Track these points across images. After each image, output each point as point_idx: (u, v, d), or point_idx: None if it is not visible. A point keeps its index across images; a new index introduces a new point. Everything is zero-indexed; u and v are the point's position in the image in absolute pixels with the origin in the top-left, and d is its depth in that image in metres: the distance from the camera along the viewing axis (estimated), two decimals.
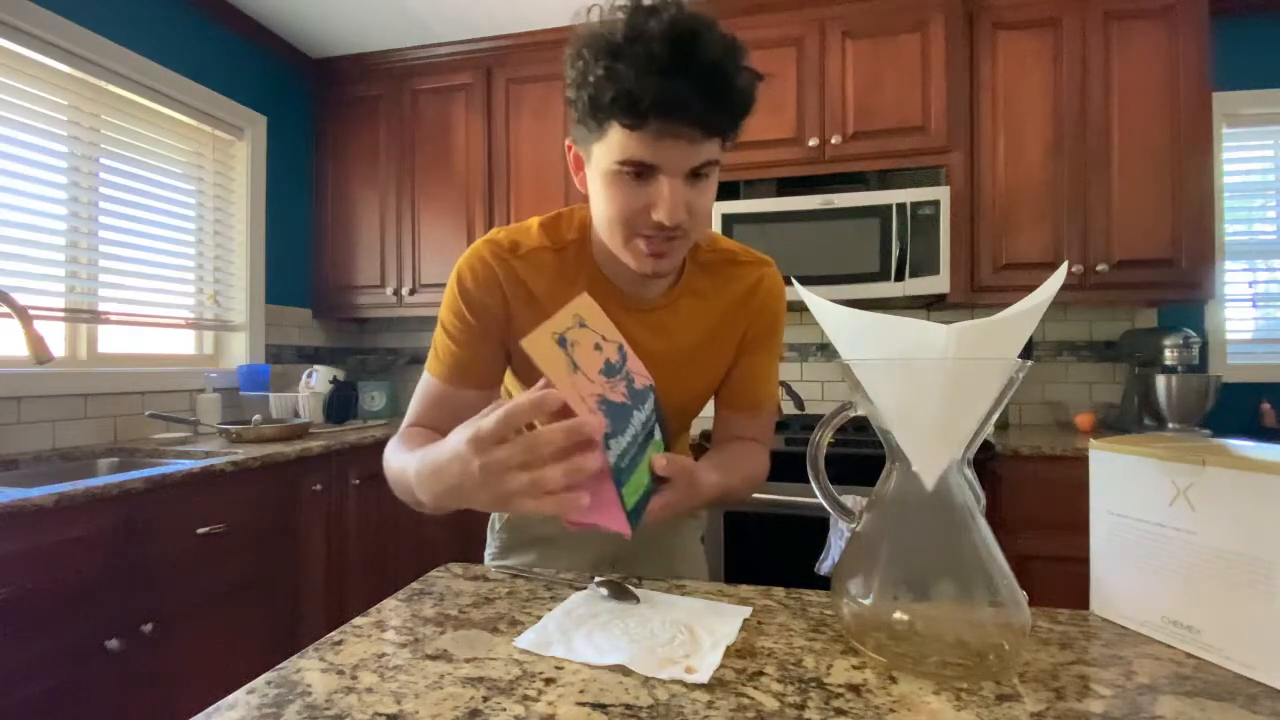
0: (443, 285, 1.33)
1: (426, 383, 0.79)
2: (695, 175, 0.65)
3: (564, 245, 0.77)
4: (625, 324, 0.77)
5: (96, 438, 1.83)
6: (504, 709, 0.41)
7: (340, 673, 0.47)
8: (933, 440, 0.47)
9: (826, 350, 2.44)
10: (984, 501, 0.49)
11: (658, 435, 0.61)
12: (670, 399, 0.72)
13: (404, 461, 0.64)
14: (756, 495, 1.75)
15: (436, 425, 0.76)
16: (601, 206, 0.68)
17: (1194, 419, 1.93)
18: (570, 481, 0.48)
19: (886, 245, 1.96)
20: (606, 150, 0.64)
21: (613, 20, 0.61)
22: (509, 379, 0.86)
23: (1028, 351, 2.15)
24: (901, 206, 1.95)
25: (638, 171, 0.63)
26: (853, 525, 0.53)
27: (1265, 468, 0.45)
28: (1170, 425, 1.95)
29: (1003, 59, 2.03)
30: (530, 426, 0.51)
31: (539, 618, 0.56)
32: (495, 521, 0.95)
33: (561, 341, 0.53)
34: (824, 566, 1.63)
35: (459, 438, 0.52)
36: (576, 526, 0.53)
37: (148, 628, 1.29)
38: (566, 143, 0.73)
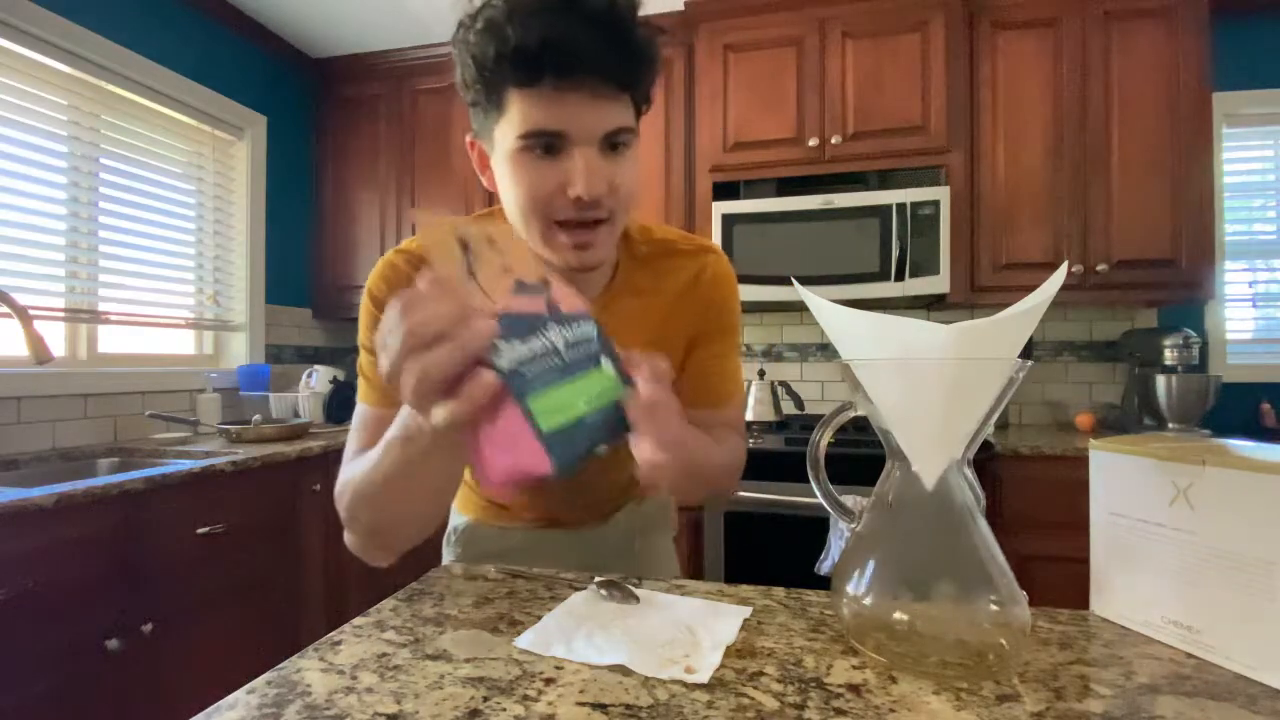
0: None
1: (362, 414, 0.69)
2: (611, 147, 0.59)
3: None
4: None
5: (96, 438, 1.83)
6: (504, 709, 0.41)
7: (340, 673, 0.47)
8: (933, 440, 0.47)
9: (826, 350, 2.44)
10: (984, 501, 0.49)
11: (608, 367, 0.48)
12: None
13: (364, 468, 0.57)
14: (757, 495, 1.75)
15: None
16: (511, 195, 0.60)
17: (1194, 419, 1.93)
18: (462, 350, 0.39)
19: (886, 245, 1.96)
20: (508, 127, 0.57)
21: None
22: None
23: (1028, 351, 2.15)
24: (901, 206, 1.95)
25: (546, 145, 0.57)
26: (853, 525, 0.53)
27: (1265, 468, 0.45)
28: (1170, 425, 1.95)
29: (1003, 59, 2.03)
30: None
31: (539, 618, 0.56)
32: (451, 534, 0.91)
33: (462, 245, 0.43)
34: (824, 566, 1.63)
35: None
36: (497, 483, 0.42)
37: (148, 628, 1.29)
38: (468, 139, 0.66)
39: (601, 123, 0.57)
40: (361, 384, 0.70)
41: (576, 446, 0.43)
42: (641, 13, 0.58)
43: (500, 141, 0.59)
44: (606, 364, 0.48)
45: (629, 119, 0.60)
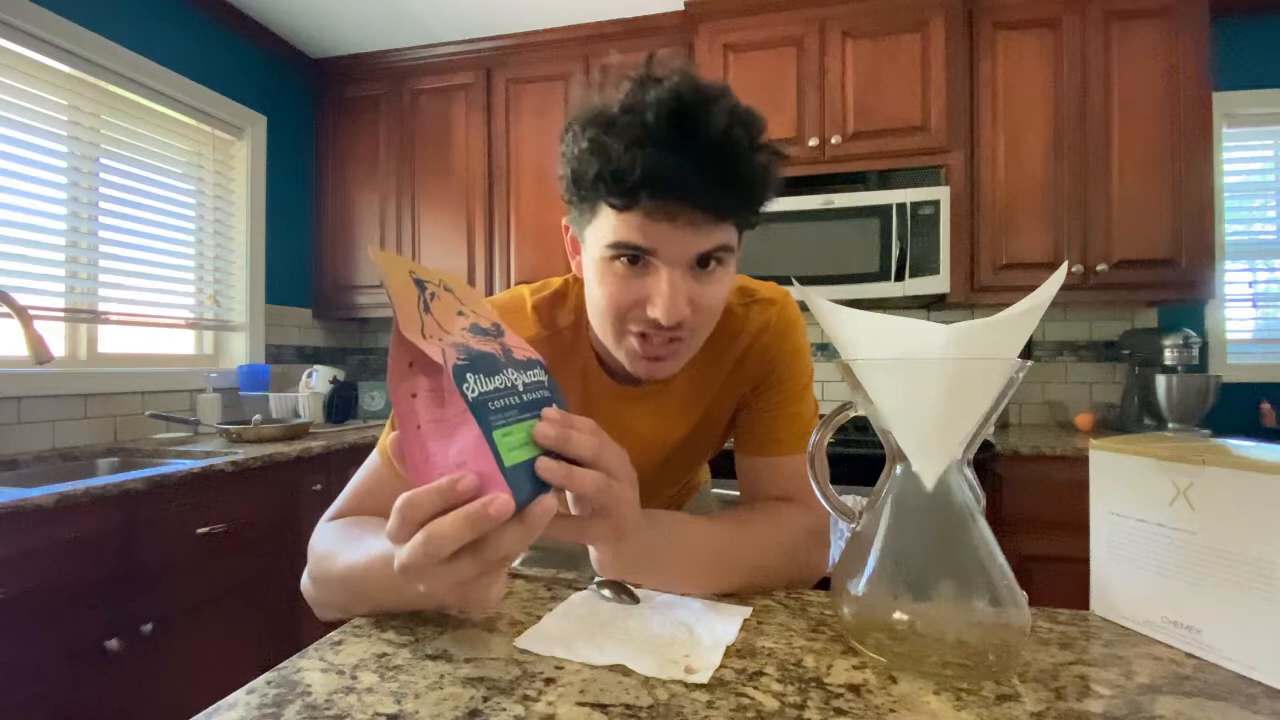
0: None
1: (375, 469, 0.65)
2: (703, 264, 0.56)
3: (559, 331, 0.70)
4: (617, 411, 0.70)
5: (96, 438, 1.83)
6: (504, 709, 0.41)
7: (340, 673, 0.47)
8: (933, 440, 0.47)
9: (826, 350, 2.44)
10: (984, 501, 0.49)
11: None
12: (664, 479, 0.61)
13: (353, 561, 0.55)
14: None
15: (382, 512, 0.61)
16: (594, 296, 0.61)
17: (1194, 419, 1.93)
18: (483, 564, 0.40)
19: (886, 245, 1.96)
20: (597, 234, 0.57)
21: (614, 91, 0.55)
22: None
23: (1028, 351, 2.15)
24: (901, 206, 1.95)
25: (631, 258, 0.55)
26: (853, 525, 0.53)
27: (1265, 468, 0.45)
28: (1170, 425, 1.95)
29: (1003, 59, 2.03)
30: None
31: (539, 618, 0.56)
32: None
33: (419, 284, 0.45)
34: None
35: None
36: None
37: (148, 628, 1.29)
38: (564, 222, 0.66)
39: (694, 247, 0.55)
40: (388, 437, 0.64)
41: (533, 482, 0.42)
42: (701, 79, 0.55)
43: (590, 243, 0.59)
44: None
45: (728, 238, 0.57)
